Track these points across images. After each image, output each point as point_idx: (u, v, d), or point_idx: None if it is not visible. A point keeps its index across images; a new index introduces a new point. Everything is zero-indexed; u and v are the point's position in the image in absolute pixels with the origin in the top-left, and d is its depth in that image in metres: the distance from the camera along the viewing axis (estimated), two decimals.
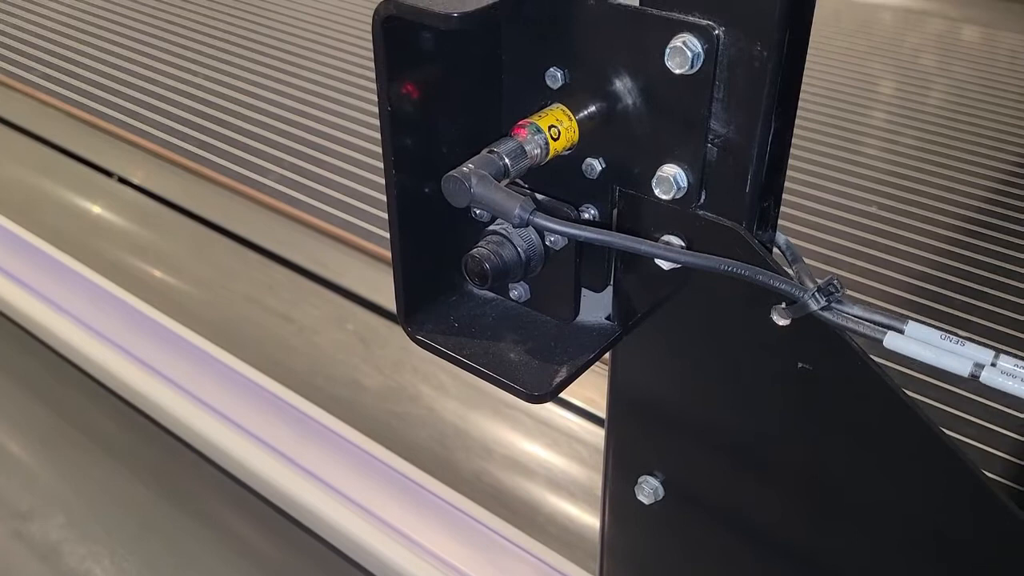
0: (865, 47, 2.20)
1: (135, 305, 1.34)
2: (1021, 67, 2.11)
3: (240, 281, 1.42)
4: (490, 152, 0.46)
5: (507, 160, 0.46)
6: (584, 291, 0.53)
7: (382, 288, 1.35)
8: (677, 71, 0.44)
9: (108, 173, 1.67)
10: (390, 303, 1.32)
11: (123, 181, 1.65)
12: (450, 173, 0.44)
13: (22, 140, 1.78)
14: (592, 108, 0.48)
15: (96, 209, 1.62)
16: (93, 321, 1.32)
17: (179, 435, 1.21)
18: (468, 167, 0.45)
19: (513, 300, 0.55)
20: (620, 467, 0.59)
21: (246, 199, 1.56)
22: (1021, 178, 1.65)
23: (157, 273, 1.47)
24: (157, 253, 1.51)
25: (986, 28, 2.32)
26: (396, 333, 1.29)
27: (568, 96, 0.48)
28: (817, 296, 0.43)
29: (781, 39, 0.42)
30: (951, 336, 0.42)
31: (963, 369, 0.41)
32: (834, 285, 0.43)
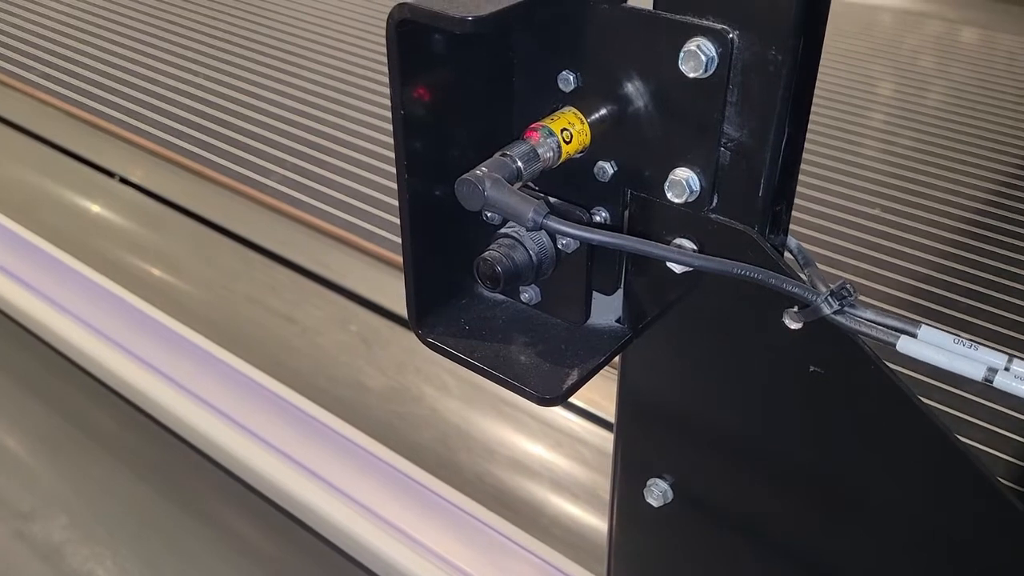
0: (864, 49, 2.20)
1: (138, 306, 1.34)
2: (1019, 68, 2.11)
3: (242, 282, 1.42)
4: (503, 155, 0.46)
5: (520, 163, 0.46)
6: (595, 294, 0.53)
7: (385, 289, 1.35)
8: (691, 75, 0.44)
9: (109, 173, 1.67)
10: (393, 304, 1.32)
11: (124, 181, 1.65)
12: (464, 176, 0.44)
13: (22, 140, 1.78)
14: (604, 111, 0.48)
15: (99, 210, 1.61)
16: (97, 322, 1.32)
17: (182, 435, 1.21)
18: (482, 170, 0.45)
19: (524, 303, 0.55)
20: (629, 469, 0.59)
21: (248, 199, 1.55)
22: (1022, 180, 1.65)
23: (159, 274, 1.47)
24: (159, 254, 1.51)
25: (984, 30, 2.32)
26: (399, 334, 1.29)
27: (580, 99, 0.48)
28: (830, 300, 0.43)
29: (796, 44, 0.42)
30: (963, 340, 0.42)
31: (976, 373, 0.41)
32: (847, 289, 0.43)
